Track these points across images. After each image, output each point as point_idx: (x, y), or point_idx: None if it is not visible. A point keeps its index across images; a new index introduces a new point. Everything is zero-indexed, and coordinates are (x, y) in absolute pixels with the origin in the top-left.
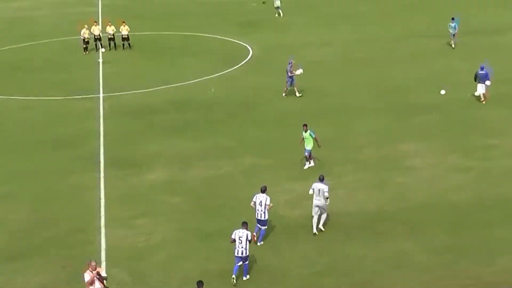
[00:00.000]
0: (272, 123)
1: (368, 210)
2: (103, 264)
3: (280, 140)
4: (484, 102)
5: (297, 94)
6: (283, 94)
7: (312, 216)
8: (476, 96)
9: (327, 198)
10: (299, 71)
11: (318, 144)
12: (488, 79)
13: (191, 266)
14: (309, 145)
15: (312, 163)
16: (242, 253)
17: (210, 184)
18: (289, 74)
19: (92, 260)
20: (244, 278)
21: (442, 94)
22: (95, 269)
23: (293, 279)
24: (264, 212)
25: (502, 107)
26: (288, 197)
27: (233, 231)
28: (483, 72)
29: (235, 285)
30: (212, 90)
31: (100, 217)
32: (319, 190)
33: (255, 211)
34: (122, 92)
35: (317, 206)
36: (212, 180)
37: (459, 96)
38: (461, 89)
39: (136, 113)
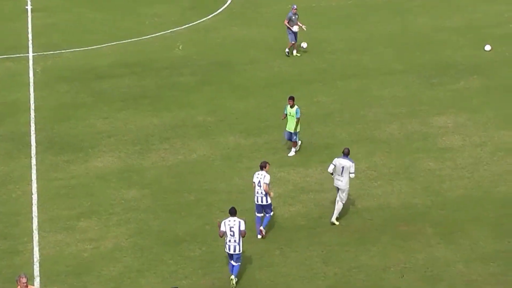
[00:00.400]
0: (259, 90)
1: (389, 206)
2: (37, 281)
3: (270, 113)
4: None
5: (295, 52)
6: (286, 51)
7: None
8: None
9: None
10: (296, 28)
11: (294, 126)
12: None
13: (154, 281)
14: (293, 126)
15: (295, 150)
16: (234, 249)
17: (178, 173)
18: (286, 23)
19: (21, 274)
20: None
21: (487, 51)
22: (26, 287)
23: None
24: (266, 195)
25: None
26: (281, 189)
27: (222, 221)
28: None
29: (234, 286)
30: (180, 47)
31: (31, 218)
32: (342, 168)
33: (254, 195)
34: (59, 50)
35: (337, 188)
36: (181, 168)
37: (508, 53)
38: (510, 44)
39: (78, 79)
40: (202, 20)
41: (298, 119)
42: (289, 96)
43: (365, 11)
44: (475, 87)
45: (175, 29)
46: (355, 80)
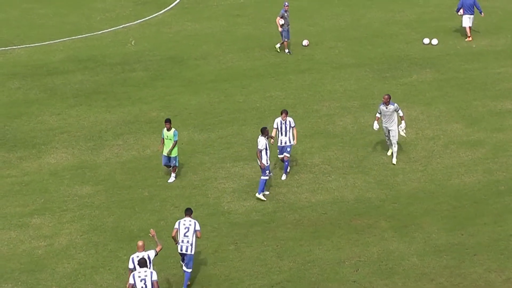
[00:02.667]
0: (212, 85)
1: (344, 200)
2: None
3: (223, 108)
4: (470, 39)
5: (286, 51)
6: (286, 51)
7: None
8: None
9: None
10: (281, 21)
11: (169, 150)
12: (479, 8)
13: (109, 278)
14: (171, 150)
15: (175, 175)
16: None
17: (131, 168)
18: (277, 21)
19: None
20: None
21: (426, 44)
22: None
23: None
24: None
25: None
26: (236, 185)
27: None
28: None
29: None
30: (133, 43)
31: None
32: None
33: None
34: (9, 47)
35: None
36: (134, 164)
37: (459, 46)
38: (460, 37)
39: (29, 75)
40: (154, 15)
41: (175, 142)
42: (165, 119)
43: (317, 5)
44: (427, 80)
45: (127, 24)
46: (308, 75)
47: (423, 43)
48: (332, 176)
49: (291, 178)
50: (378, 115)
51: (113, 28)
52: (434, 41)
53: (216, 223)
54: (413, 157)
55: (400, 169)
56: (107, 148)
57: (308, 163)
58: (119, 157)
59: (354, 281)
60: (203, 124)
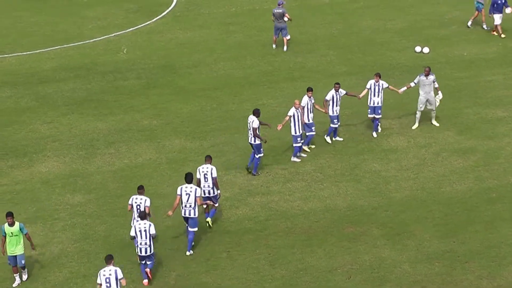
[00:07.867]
0: (204, 93)
1: (336, 208)
2: None
3: (215, 116)
4: (495, 33)
5: (285, 48)
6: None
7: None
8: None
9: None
10: (286, 18)
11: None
12: (508, 6)
13: None
14: (18, 247)
15: (25, 277)
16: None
17: (123, 177)
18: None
19: None
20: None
21: (417, 52)
22: None
23: None
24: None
25: (510, 67)
26: (228, 193)
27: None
28: None
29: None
30: (124, 51)
31: None
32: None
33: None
34: (1, 55)
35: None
36: (126, 172)
37: (450, 55)
38: (451, 45)
39: (20, 83)
40: (146, 23)
41: (28, 235)
42: (6, 212)
43: (309, 13)
44: (419, 88)
45: (118, 32)
46: (300, 83)
47: (415, 51)
48: (324, 184)
49: (283, 186)
50: (412, 84)
51: (105, 36)
52: (426, 49)
53: (209, 231)
54: (405, 165)
55: (392, 177)
56: (98, 157)
57: (300, 171)
58: (111, 166)
59: None
60: (195, 132)
